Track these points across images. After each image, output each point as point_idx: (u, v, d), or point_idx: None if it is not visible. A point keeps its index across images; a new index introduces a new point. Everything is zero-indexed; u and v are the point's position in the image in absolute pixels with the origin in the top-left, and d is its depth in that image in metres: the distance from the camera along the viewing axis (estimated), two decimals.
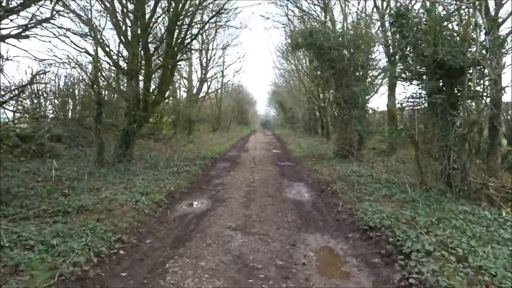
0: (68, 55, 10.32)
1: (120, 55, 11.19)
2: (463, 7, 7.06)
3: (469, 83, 6.88)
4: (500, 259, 3.69)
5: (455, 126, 6.94)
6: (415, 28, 7.42)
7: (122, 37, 10.71)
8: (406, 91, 11.91)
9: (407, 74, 8.37)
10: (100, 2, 10.29)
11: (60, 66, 9.62)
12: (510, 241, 4.22)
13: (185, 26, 11.80)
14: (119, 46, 11.07)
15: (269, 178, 9.91)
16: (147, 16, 10.54)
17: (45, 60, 7.89)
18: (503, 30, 7.78)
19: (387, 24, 14.32)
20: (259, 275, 3.81)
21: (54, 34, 8.25)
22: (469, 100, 7.17)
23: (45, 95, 13.00)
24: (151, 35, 11.32)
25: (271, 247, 4.63)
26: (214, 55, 27.70)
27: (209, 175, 10.63)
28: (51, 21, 6.85)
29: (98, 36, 10.24)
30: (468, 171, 6.76)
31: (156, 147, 15.58)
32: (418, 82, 7.92)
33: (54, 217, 5.36)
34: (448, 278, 3.33)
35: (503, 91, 7.29)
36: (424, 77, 7.68)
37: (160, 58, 11.69)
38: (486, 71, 6.75)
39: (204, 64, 26.82)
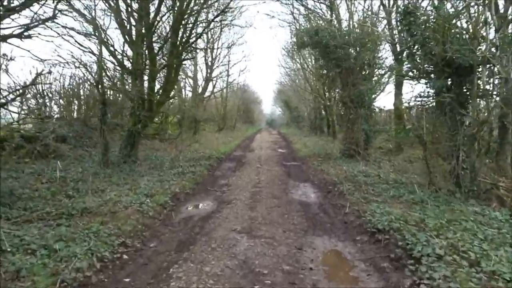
0: (72, 55, 10.25)
1: (124, 54, 11.15)
2: (472, 4, 6.94)
3: (479, 81, 6.77)
4: None
5: (464, 125, 6.81)
6: (423, 26, 7.29)
7: (126, 36, 10.66)
8: (413, 89, 11.77)
9: (415, 72, 8.25)
10: (104, 1, 10.25)
11: (65, 66, 9.55)
12: None
13: (190, 25, 11.75)
14: (123, 45, 11.06)
15: (274, 179, 9.81)
16: (152, 15, 10.48)
17: (48, 60, 7.85)
18: None
19: (393, 22, 14.21)
20: (265, 281, 3.72)
21: (58, 34, 8.22)
22: (478, 99, 7.04)
23: (50, 95, 12.99)
24: (155, 34, 11.28)
25: (277, 251, 4.53)
26: (219, 54, 27.66)
27: (215, 176, 10.55)
28: (55, 20, 6.81)
29: (103, 36, 10.20)
30: (477, 171, 6.63)
31: (161, 147, 15.54)
32: (426, 81, 7.80)
33: (57, 219, 5.30)
34: (461, 284, 3.23)
35: None
36: (432, 75, 7.57)
37: (165, 58, 11.64)
38: (496, 69, 6.62)
39: (209, 63, 26.78)
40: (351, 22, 15.03)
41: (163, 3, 10.75)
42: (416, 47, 7.70)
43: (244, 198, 7.49)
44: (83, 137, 13.08)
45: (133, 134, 10.78)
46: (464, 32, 6.96)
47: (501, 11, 7.44)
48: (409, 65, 8.46)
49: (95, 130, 12.75)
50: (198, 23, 12.76)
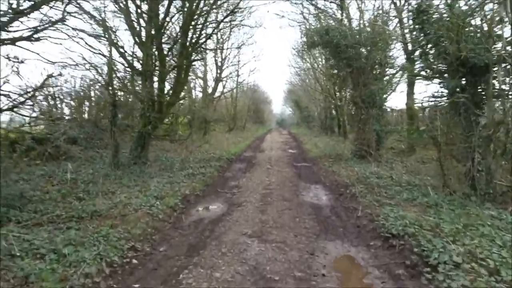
0: (83, 57, 10.28)
1: (134, 56, 11.15)
2: (487, 1, 6.77)
3: (494, 81, 6.60)
4: None
5: (479, 126, 6.64)
6: (436, 25, 7.14)
7: (136, 37, 10.67)
8: (427, 90, 11.59)
9: (428, 72, 8.09)
10: (114, 3, 10.26)
11: (75, 68, 9.58)
12: None
13: (200, 26, 11.73)
14: (133, 47, 11.05)
15: (285, 180, 9.71)
16: (161, 16, 10.48)
17: (58, 62, 7.83)
18: None
19: (405, 20, 14.02)
20: None
21: (68, 36, 8.22)
22: (494, 99, 6.86)
23: (61, 97, 13.08)
24: (165, 35, 11.27)
25: (288, 256, 4.44)
26: (229, 54, 27.68)
27: (225, 177, 10.49)
28: (64, 22, 6.80)
29: (112, 37, 10.21)
30: (493, 173, 6.44)
31: (171, 148, 15.54)
32: (440, 81, 7.63)
33: (67, 222, 5.30)
34: None
35: None
36: (446, 75, 7.39)
37: (175, 59, 11.60)
38: None
39: (219, 64, 26.80)
40: (361, 21, 14.87)
41: (173, 4, 10.74)
42: (429, 46, 7.54)
43: (255, 201, 7.41)
44: (94, 138, 13.16)
45: (143, 136, 10.79)
46: (479, 30, 6.79)
47: None
48: (421, 65, 8.29)
49: (106, 132, 12.79)
50: (208, 23, 12.74)
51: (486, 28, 6.64)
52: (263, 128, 53.67)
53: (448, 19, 6.92)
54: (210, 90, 26.65)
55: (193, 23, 11.03)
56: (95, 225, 5.14)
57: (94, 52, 10.11)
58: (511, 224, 4.96)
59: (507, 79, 6.76)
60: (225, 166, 12.47)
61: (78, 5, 8.42)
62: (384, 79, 13.01)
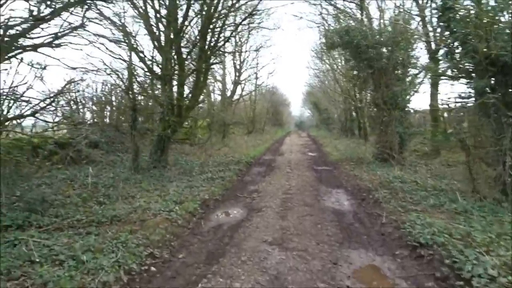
0: (103, 62, 10.39)
1: (154, 60, 11.20)
2: None
3: None
4: None
5: (511, 128, 6.32)
6: (463, 23, 6.85)
7: (155, 42, 10.72)
8: (453, 91, 11.22)
9: (454, 72, 7.78)
10: (133, 8, 10.33)
11: (97, 73, 9.71)
12: None
13: (218, 29, 11.70)
14: (153, 51, 11.09)
15: (306, 184, 9.52)
16: (180, 20, 10.48)
17: (80, 67, 7.93)
18: None
19: (427, 18, 13.63)
20: None
21: (88, 41, 8.29)
22: None
23: (82, 101, 13.27)
24: (184, 39, 11.29)
25: (310, 266, 4.27)
26: (248, 57, 27.76)
27: (244, 181, 10.37)
28: (84, 28, 6.84)
29: (132, 42, 10.29)
30: None
31: (191, 151, 15.56)
32: (467, 81, 7.33)
33: (87, 227, 5.30)
34: None
35: None
36: (474, 74, 7.09)
37: (193, 62, 11.60)
38: None
39: (238, 67, 26.85)
40: (382, 21, 14.57)
41: (191, 8, 10.73)
42: (455, 44, 7.25)
43: (275, 206, 7.26)
44: (115, 142, 13.29)
45: (163, 139, 10.81)
46: (509, 27, 6.48)
47: None
48: (447, 64, 7.99)
49: (127, 135, 12.91)
50: (226, 26, 12.72)
51: None
52: (282, 131, 53.46)
53: (476, 16, 6.64)
54: (228, 93, 26.70)
55: (211, 26, 11.02)
56: (114, 231, 5.10)
57: (115, 57, 10.26)
58: None
59: None
60: (244, 170, 12.35)
61: (98, 11, 8.50)
62: (407, 79, 12.66)
